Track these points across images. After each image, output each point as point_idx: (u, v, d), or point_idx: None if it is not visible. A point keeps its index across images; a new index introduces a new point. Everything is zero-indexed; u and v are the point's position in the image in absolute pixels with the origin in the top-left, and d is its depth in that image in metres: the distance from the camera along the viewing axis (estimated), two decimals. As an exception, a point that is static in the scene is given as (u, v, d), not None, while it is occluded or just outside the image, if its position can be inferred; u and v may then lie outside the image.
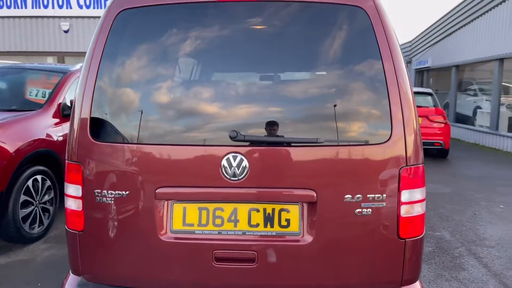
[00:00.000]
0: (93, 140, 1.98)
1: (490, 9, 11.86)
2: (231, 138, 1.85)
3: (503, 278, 3.45)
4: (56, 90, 4.85)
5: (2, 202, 3.75)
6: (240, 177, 1.88)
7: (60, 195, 4.62)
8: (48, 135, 4.39)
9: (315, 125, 1.94)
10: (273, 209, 1.92)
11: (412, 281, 2.01)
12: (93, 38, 2.06)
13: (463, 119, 13.87)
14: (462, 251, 4.01)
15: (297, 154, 1.90)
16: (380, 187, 1.90)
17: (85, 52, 2.11)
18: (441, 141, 8.98)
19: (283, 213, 1.92)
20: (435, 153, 9.69)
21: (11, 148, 3.84)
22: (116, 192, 1.96)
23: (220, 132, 1.92)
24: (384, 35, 1.93)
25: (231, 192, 1.91)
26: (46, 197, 4.32)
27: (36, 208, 4.17)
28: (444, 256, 3.89)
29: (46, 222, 4.31)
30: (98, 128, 1.99)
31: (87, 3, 13.51)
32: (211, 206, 1.94)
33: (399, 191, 1.91)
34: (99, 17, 13.47)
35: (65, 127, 4.71)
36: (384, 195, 1.90)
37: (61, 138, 4.57)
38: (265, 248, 1.91)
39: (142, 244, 1.97)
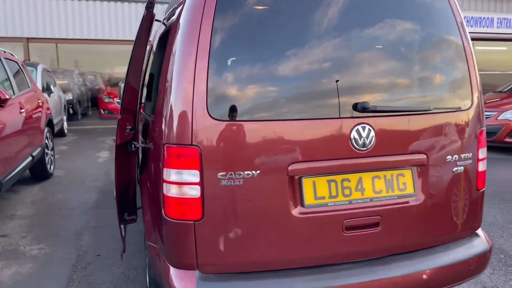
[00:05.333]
0: (214, 120, 1.82)
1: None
2: (364, 109, 1.93)
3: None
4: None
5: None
6: (368, 147, 1.98)
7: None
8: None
9: (420, 96, 2.13)
10: (392, 175, 2.06)
11: (479, 225, 2.39)
12: (189, 16, 1.87)
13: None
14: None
15: (412, 122, 2.08)
16: (468, 146, 2.21)
17: None
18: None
19: (400, 177, 2.08)
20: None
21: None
22: (246, 172, 1.85)
23: (346, 104, 1.96)
24: (460, 17, 2.23)
25: (358, 162, 1.98)
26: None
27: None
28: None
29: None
30: (218, 106, 1.83)
31: None
32: (338, 178, 1.98)
33: (478, 150, 2.25)
34: None
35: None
36: (470, 153, 2.22)
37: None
38: (387, 212, 2.04)
39: (274, 224, 1.91)
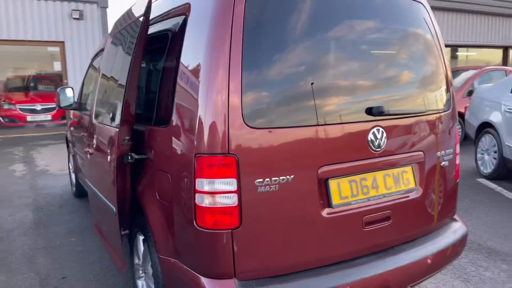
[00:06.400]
0: (250, 128, 1.84)
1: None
2: (380, 112, 2.10)
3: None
4: None
5: None
6: (381, 148, 2.15)
7: None
8: None
9: (417, 99, 2.37)
10: (398, 172, 2.27)
11: (456, 211, 2.72)
12: (215, 15, 1.87)
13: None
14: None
15: (412, 123, 2.30)
16: (450, 143, 2.52)
17: None
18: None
19: (404, 174, 2.29)
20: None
21: None
22: (281, 178, 1.90)
23: (362, 109, 2.11)
24: (436, 25, 2.52)
25: (373, 162, 2.15)
26: None
27: None
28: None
29: None
30: (253, 113, 1.86)
31: None
32: (357, 178, 2.13)
33: (455, 145, 2.56)
34: None
35: None
36: (452, 149, 2.52)
37: None
38: (396, 206, 2.24)
39: (307, 226, 1.99)
